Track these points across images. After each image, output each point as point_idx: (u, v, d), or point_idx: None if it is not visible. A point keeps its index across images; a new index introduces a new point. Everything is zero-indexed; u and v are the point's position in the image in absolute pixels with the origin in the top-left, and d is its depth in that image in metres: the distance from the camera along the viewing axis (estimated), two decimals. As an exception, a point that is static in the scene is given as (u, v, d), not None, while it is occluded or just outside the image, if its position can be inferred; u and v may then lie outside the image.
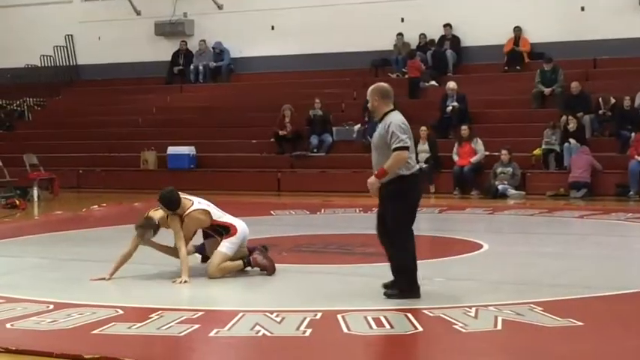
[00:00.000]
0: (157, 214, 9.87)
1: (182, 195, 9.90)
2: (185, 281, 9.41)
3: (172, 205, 9.80)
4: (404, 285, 8.44)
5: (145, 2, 27.48)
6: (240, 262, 9.83)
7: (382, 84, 8.80)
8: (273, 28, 26.21)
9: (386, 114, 8.45)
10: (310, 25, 25.30)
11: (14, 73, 27.56)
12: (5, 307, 8.33)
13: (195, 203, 9.95)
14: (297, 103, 22.75)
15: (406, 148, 8.21)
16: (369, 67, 24.76)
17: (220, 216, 10.03)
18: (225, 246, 9.79)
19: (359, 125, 22.28)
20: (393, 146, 8.22)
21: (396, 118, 8.36)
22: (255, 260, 9.86)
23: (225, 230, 9.88)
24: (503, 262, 11.03)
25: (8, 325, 7.62)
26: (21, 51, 27.72)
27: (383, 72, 24.58)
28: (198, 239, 10.36)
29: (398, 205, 8.41)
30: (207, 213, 9.94)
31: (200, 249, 10.32)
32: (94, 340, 7.14)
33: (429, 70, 23.71)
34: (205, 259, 10.18)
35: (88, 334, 7.29)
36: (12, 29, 28.65)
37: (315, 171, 21.87)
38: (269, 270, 9.87)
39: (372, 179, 8.42)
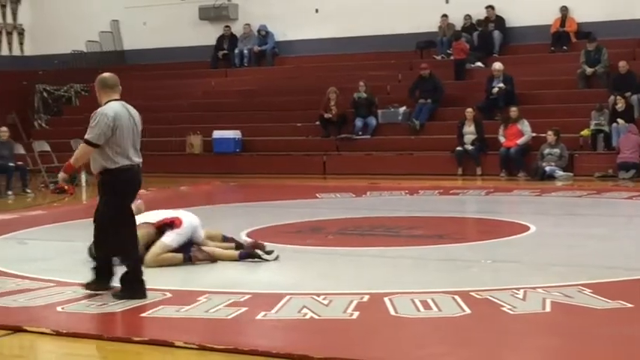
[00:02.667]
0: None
1: None
2: None
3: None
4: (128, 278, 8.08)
5: (189, -13, 27.58)
6: (180, 256, 9.59)
7: (104, 74, 8.46)
8: (317, 11, 26.13)
9: (106, 104, 8.23)
10: (354, 7, 25.20)
11: (61, 59, 27.74)
12: (55, 291, 8.42)
13: None
14: (341, 86, 22.69)
15: (91, 144, 7.93)
16: (414, 49, 24.63)
17: (163, 216, 9.82)
18: (169, 237, 9.61)
19: (404, 107, 22.20)
20: (85, 136, 8.01)
21: (107, 110, 8.10)
22: (196, 257, 9.61)
23: (171, 226, 9.68)
24: (550, 244, 10.95)
25: (59, 309, 7.71)
26: (67, 37, 27.90)
27: (428, 54, 24.46)
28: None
29: (107, 199, 8.10)
30: (146, 224, 9.63)
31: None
32: (143, 323, 7.21)
33: (475, 52, 23.55)
34: None
35: (137, 317, 7.35)
36: (58, 15, 28.84)
37: (360, 154, 21.83)
38: (211, 259, 9.63)
39: (61, 173, 8.25)
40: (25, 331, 7.05)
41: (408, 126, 21.83)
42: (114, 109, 8.12)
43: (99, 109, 8.15)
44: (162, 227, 9.73)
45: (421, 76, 22.16)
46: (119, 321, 7.32)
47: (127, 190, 8.13)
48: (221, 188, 19.29)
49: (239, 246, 10.13)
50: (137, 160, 8.14)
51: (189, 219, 9.84)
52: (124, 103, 8.29)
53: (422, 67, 22.26)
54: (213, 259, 9.67)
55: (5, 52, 28.89)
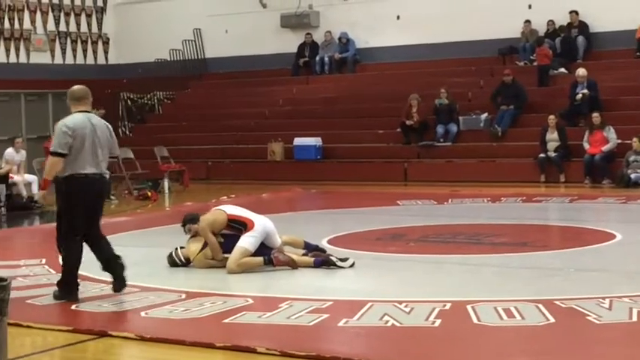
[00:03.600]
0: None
1: None
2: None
3: (189, 219, 10.14)
4: (62, 285, 8.47)
5: (270, -5, 27.73)
6: (260, 259, 9.65)
7: (73, 87, 8.72)
8: (398, 17, 26.07)
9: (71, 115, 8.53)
10: (436, 13, 25.09)
11: (145, 67, 28.08)
12: (139, 296, 8.52)
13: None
14: (423, 92, 22.59)
15: (58, 154, 8.26)
16: (496, 55, 24.43)
17: (238, 213, 9.98)
18: (245, 240, 9.67)
19: (486, 114, 22.02)
20: (50, 149, 8.40)
21: (66, 121, 8.37)
22: (278, 259, 9.64)
23: (243, 226, 9.77)
24: (637, 253, 10.77)
25: (142, 314, 7.80)
26: (151, 45, 28.24)
27: (510, 60, 24.22)
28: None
29: (63, 206, 8.41)
30: (220, 211, 10.00)
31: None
32: (225, 329, 7.25)
33: (558, 57, 23.26)
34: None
35: (220, 323, 7.39)
36: (142, 24, 29.22)
37: (441, 161, 21.71)
38: (293, 266, 9.67)
39: (40, 192, 8.54)
40: (110, 335, 7.15)
41: (490, 132, 21.65)
42: (74, 119, 8.40)
43: (60, 121, 8.49)
44: (234, 222, 9.85)
45: (503, 82, 21.96)
46: (202, 327, 7.37)
47: (77, 199, 8.34)
48: (302, 195, 19.34)
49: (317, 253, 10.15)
50: (93, 170, 8.39)
51: (262, 221, 9.92)
52: (89, 115, 8.55)
53: (505, 73, 22.06)
54: (294, 264, 9.69)
55: (91, 60, 29.37)
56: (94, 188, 8.43)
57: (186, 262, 10.06)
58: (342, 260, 9.83)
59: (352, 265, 9.81)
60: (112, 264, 8.54)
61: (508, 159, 20.90)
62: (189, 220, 10.15)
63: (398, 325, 7.16)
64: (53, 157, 8.32)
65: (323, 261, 9.83)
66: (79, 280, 8.57)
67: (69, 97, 8.66)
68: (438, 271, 9.83)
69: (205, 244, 9.92)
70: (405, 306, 7.70)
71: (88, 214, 8.43)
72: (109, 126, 8.72)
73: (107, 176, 8.66)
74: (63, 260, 8.54)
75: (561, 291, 8.31)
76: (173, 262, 10.12)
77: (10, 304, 5.04)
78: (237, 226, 9.82)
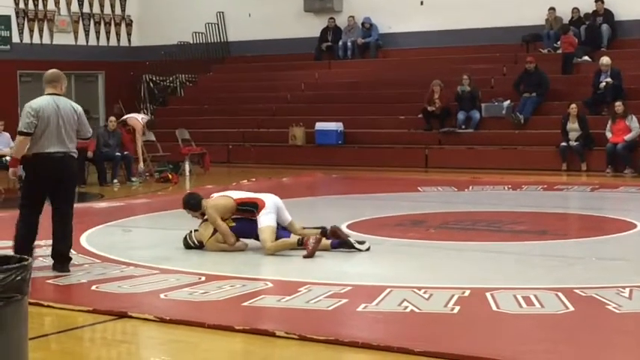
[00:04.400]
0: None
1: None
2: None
3: (190, 205, 10.24)
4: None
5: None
6: (294, 240, 9.69)
7: (48, 70, 9.12)
8: (422, 3, 25.96)
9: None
10: (459, 0, 24.99)
11: (167, 50, 28.10)
12: (159, 278, 8.56)
13: (215, 196, 10.27)
14: (445, 79, 22.51)
15: (23, 134, 8.70)
16: (520, 42, 24.32)
17: (245, 195, 10.09)
18: (266, 219, 9.74)
19: (508, 101, 21.94)
20: (17, 129, 8.85)
21: (32, 102, 8.79)
22: (307, 243, 9.57)
23: (254, 207, 9.83)
24: (658, 243, 10.72)
25: (162, 296, 7.83)
26: (174, 28, 28.24)
27: (534, 47, 24.11)
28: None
29: (25, 181, 8.99)
30: (226, 196, 10.06)
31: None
32: (244, 312, 7.27)
33: (582, 46, 23.12)
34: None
35: (239, 306, 7.42)
36: (166, 7, 29.21)
37: (463, 147, 21.64)
38: (308, 255, 9.53)
39: (10, 169, 9.37)
40: (130, 317, 7.18)
41: (512, 120, 21.55)
42: (38, 101, 8.83)
43: (27, 102, 8.92)
44: (244, 204, 9.92)
45: (526, 70, 21.87)
46: (221, 309, 7.40)
47: (38, 177, 8.80)
48: (323, 180, 19.34)
49: (324, 231, 10.09)
50: (57, 149, 8.77)
51: (271, 198, 10.01)
52: (55, 97, 8.91)
53: (528, 61, 21.96)
54: (312, 253, 9.61)
55: (114, 42, 29.42)
56: (56, 166, 8.79)
57: (200, 245, 10.10)
58: (360, 243, 9.85)
59: (368, 249, 9.82)
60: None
61: (530, 147, 20.82)
62: (189, 206, 10.24)
63: (417, 310, 7.16)
64: (20, 137, 8.78)
65: (340, 243, 9.85)
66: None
67: (44, 80, 9.03)
68: (457, 258, 9.82)
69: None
70: (424, 292, 7.70)
71: (51, 191, 8.84)
72: (79, 109, 9.04)
73: (75, 155, 8.97)
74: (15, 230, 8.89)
75: (581, 280, 8.29)
76: (187, 245, 10.18)
77: (30, 284, 5.05)
78: (249, 208, 9.88)
